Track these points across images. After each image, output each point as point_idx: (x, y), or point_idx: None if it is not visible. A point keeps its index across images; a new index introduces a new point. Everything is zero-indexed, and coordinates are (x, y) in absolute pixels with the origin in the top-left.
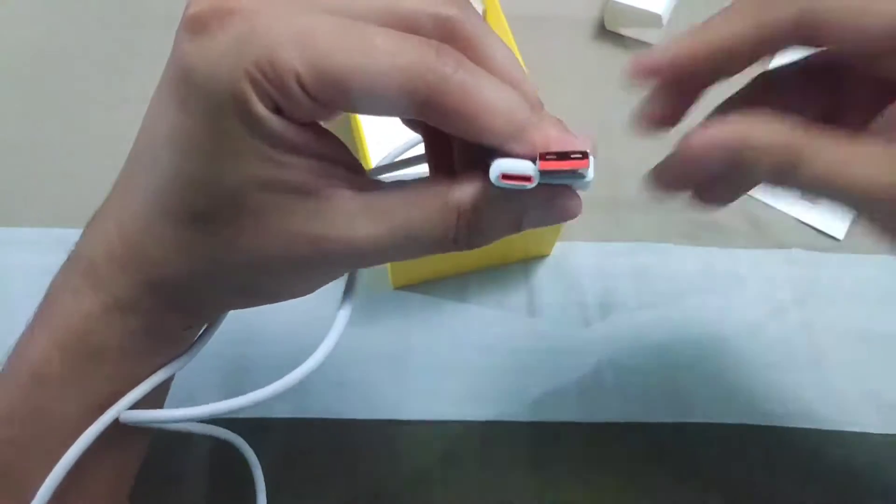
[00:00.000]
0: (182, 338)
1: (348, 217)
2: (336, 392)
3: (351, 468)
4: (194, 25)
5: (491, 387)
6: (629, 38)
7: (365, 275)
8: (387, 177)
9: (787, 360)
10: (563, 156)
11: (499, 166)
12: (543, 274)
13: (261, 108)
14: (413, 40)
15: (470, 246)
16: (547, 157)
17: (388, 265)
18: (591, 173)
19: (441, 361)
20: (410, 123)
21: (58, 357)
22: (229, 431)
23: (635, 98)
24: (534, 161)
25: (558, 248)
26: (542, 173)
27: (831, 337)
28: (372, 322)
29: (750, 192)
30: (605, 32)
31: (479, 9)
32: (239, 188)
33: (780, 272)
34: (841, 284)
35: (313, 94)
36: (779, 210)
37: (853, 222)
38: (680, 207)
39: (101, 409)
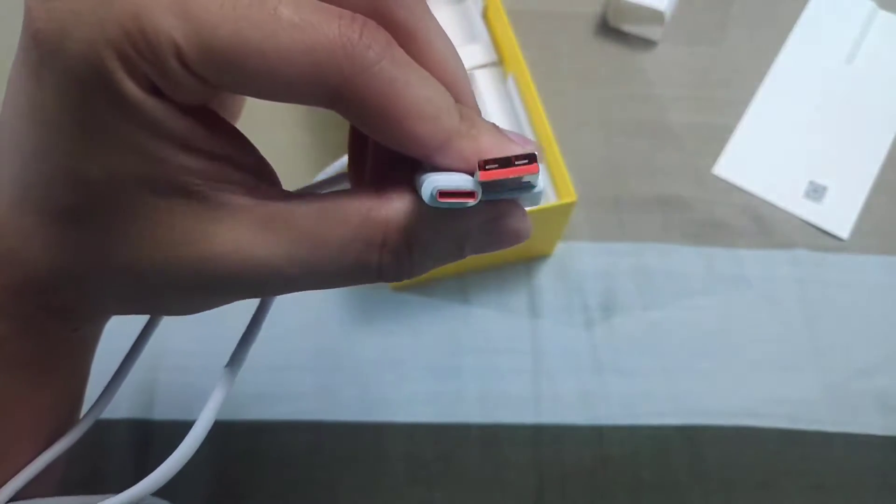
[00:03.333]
0: (72, 341)
1: (242, 231)
2: (335, 393)
3: (350, 470)
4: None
5: (492, 388)
6: (631, 35)
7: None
8: None
9: (791, 361)
10: (507, 162)
11: (433, 182)
12: (545, 274)
13: (131, 87)
14: (330, 13)
15: (397, 277)
16: (488, 165)
17: None
18: (540, 182)
19: (441, 362)
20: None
21: None
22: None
23: (637, 96)
24: (472, 173)
25: (560, 248)
26: (485, 185)
27: (835, 338)
28: (371, 323)
29: (754, 192)
30: (608, 29)
31: (480, 5)
32: (108, 183)
33: (784, 272)
34: (845, 285)
35: (197, 73)
36: (783, 209)
37: (858, 222)
38: (683, 208)
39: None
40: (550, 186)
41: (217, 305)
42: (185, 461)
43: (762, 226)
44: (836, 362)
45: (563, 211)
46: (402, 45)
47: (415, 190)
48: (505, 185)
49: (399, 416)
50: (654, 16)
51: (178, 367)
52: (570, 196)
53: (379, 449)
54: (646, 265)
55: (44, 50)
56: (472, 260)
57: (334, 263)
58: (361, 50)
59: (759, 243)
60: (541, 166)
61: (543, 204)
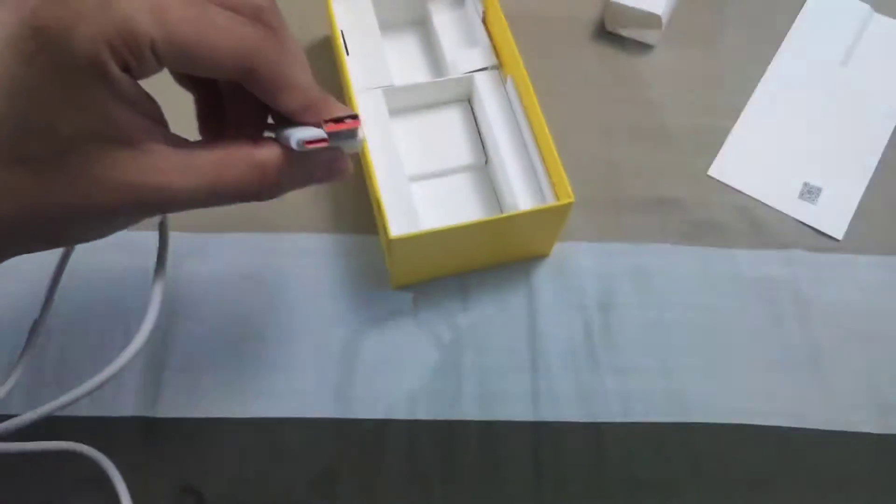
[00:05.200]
0: None
1: (166, 169)
2: (335, 391)
3: (350, 467)
4: None
5: (491, 386)
6: (629, 39)
7: (357, 274)
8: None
9: (787, 361)
10: (340, 120)
11: (299, 134)
12: (543, 274)
13: (116, 71)
14: (245, 21)
15: (270, 197)
16: (328, 122)
17: (388, 267)
18: (361, 133)
19: (441, 360)
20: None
21: None
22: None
23: (635, 99)
24: (320, 127)
25: (558, 249)
26: (330, 134)
27: (831, 337)
28: (371, 321)
29: (750, 193)
30: (605, 33)
31: (479, 10)
32: (74, 137)
33: (780, 272)
34: (840, 285)
35: (162, 60)
36: (778, 210)
37: (852, 222)
38: (679, 209)
39: None
40: (549, 187)
41: (122, 228)
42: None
43: (757, 226)
44: (830, 361)
45: (560, 212)
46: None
47: (276, 140)
48: (341, 135)
49: (399, 413)
50: (651, 20)
51: (182, 366)
52: (568, 197)
53: (379, 446)
54: (643, 265)
55: (46, 42)
56: (472, 260)
57: (228, 192)
58: (267, 45)
59: (754, 244)
60: (360, 132)
61: (543, 205)
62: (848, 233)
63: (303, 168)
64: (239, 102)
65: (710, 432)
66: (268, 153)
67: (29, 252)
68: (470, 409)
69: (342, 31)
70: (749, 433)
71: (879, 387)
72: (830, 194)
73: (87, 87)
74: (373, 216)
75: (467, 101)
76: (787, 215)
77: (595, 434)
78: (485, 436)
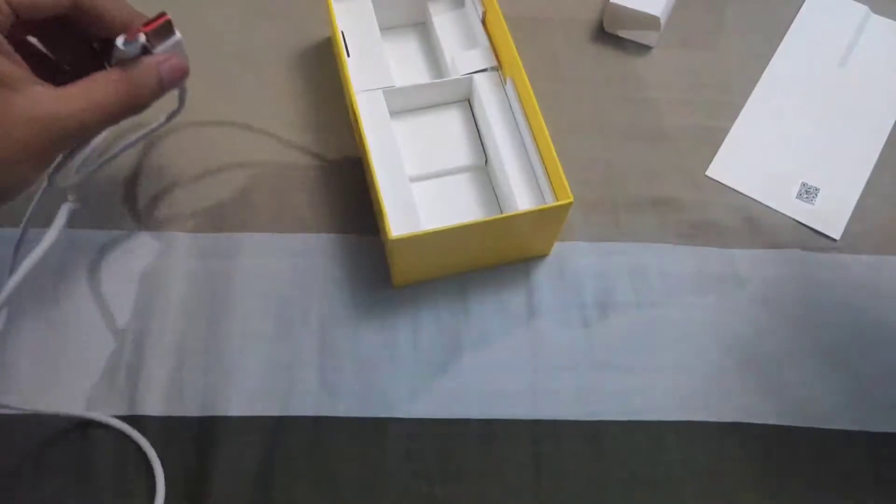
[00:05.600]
0: None
1: (49, 100)
2: (337, 390)
3: (351, 465)
4: None
5: (490, 386)
6: (627, 40)
7: (357, 274)
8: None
9: (785, 360)
10: (151, 23)
11: (119, 39)
12: (542, 274)
13: None
14: None
15: (139, 104)
16: (144, 26)
17: (390, 268)
18: (177, 32)
19: (441, 359)
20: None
21: None
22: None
23: (633, 99)
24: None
25: (557, 248)
26: (149, 34)
27: (828, 337)
28: (372, 321)
29: (747, 193)
30: (604, 34)
31: (479, 11)
32: None
33: (776, 272)
34: (837, 284)
35: (16, 7)
36: (776, 211)
37: (850, 222)
38: (678, 209)
39: None
40: (548, 188)
41: (49, 158)
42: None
43: (755, 226)
44: (829, 361)
45: (560, 211)
46: None
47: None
48: (159, 32)
49: (399, 411)
50: (650, 21)
51: (181, 365)
52: (567, 197)
53: (379, 444)
54: (641, 265)
55: None
56: (472, 260)
57: (103, 105)
58: None
59: (751, 243)
60: (174, 26)
61: (542, 205)
62: (845, 233)
63: (145, 72)
64: (70, 47)
65: (708, 431)
66: (115, 71)
67: None
68: (470, 408)
69: (343, 32)
70: (746, 432)
71: (876, 385)
72: (828, 194)
73: None
74: (373, 216)
75: (467, 102)
76: (784, 215)
77: (594, 433)
78: (484, 434)
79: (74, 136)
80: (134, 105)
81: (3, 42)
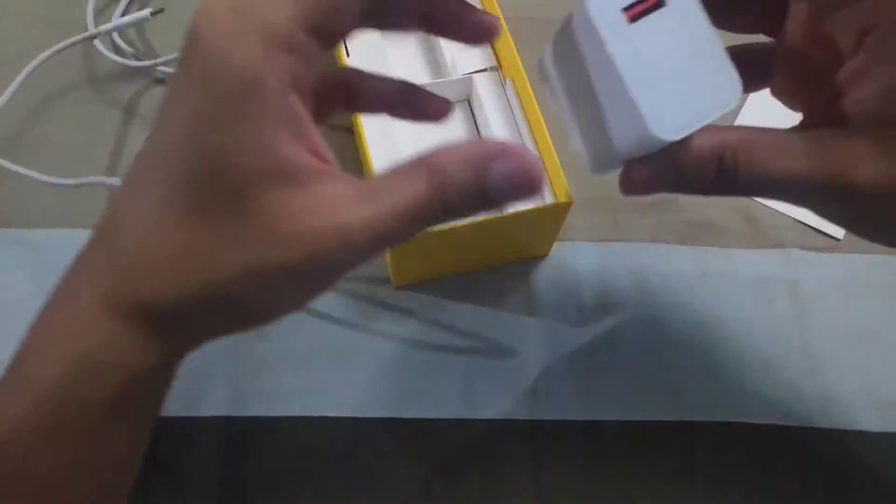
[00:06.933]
0: (159, 394)
1: (340, 203)
2: (337, 390)
3: (351, 466)
4: (190, 39)
5: (490, 385)
6: None
7: (358, 273)
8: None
9: (785, 360)
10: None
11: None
12: (542, 274)
13: (273, 84)
14: None
15: (448, 211)
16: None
17: (390, 268)
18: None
19: (441, 360)
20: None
21: (35, 414)
22: None
23: None
24: None
25: (557, 249)
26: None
27: (829, 336)
28: (372, 321)
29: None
30: None
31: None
32: (243, 177)
33: (777, 272)
34: (839, 284)
35: (316, 31)
36: (775, 210)
37: None
38: (677, 209)
39: (80, 470)
40: (548, 188)
41: (307, 297)
42: None
43: (755, 226)
44: (829, 360)
45: (560, 212)
46: None
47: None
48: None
49: (399, 411)
50: None
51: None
52: (567, 197)
53: (379, 444)
54: (641, 265)
55: (201, 74)
56: (472, 260)
57: (411, 214)
58: None
59: (752, 243)
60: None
61: (542, 205)
62: (847, 232)
63: (505, 163)
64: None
65: (708, 431)
66: (444, 154)
67: (217, 336)
68: (469, 408)
69: None
70: (746, 432)
71: (877, 385)
72: None
73: (246, 114)
74: None
75: (467, 102)
76: (785, 215)
77: (593, 433)
78: (484, 434)
79: (360, 256)
80: (440, 210)
81: (306, 117)
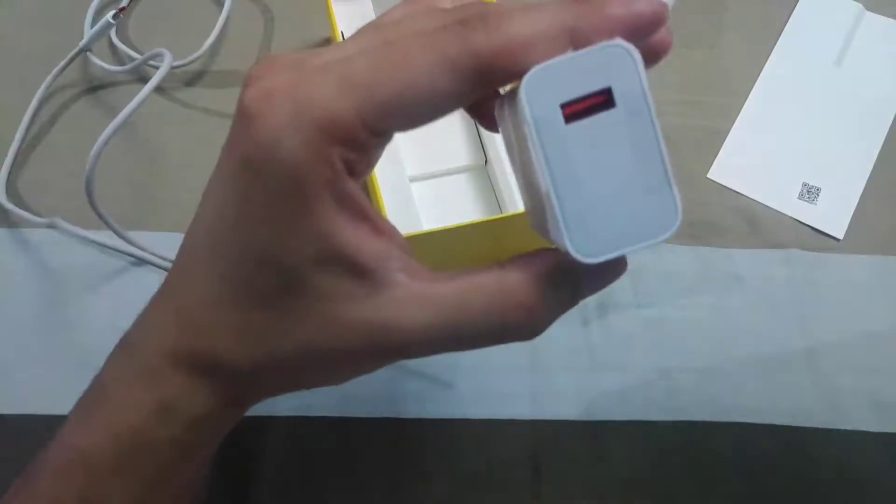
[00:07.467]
0: (225, 431)
1: (403, 305)
2: (336, 390)
3: (350, 466)
4: (244, 117)
5: (490, 384)
6: None
7: None
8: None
9: (784, 360)
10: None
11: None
12: None
13: (327, 176)
14: (438, 21)
15: (524, 333)
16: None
17: None
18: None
19: (439, 359)
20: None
21: (110, 450)
22: None
23: None
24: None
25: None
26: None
27: (829, 336)
28: None
29: (749, 194)
30: None
31: None
32: (299, 266)
33: (778, 272)
34: (839, 284)
35: (375, 129)
36: (777, 211)
37: (853, 221)
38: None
39: (149, 501)
40: None
41: (362, 374)
42: None
43: (756, 227)
44: (829, 360)
45: None
46: None
47: (532, 259)
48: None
49: (398, 412)
50: None
51: None
52: None
53: (378, 444)
54: (641, 264)
55: (253, 170)
56: (471, 260)
57: (469, 324)
58: (472, 35)
59: (753, 243)
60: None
61: None
62: (848, 232)
63: (565, 283)
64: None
65: (708, 431)
66: (517, 273)
67: (276, 395)
68: (469, 408)
69: (342, 32)
70: (746, 432)
71: (877, 386)
72: (829, 194)
73: (300, 203)
74: None
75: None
76: (785, 215)
77: (593, 433)
78: (483, 434)
79: (414, 355)
80: (515, 331)
81: (364, 199)
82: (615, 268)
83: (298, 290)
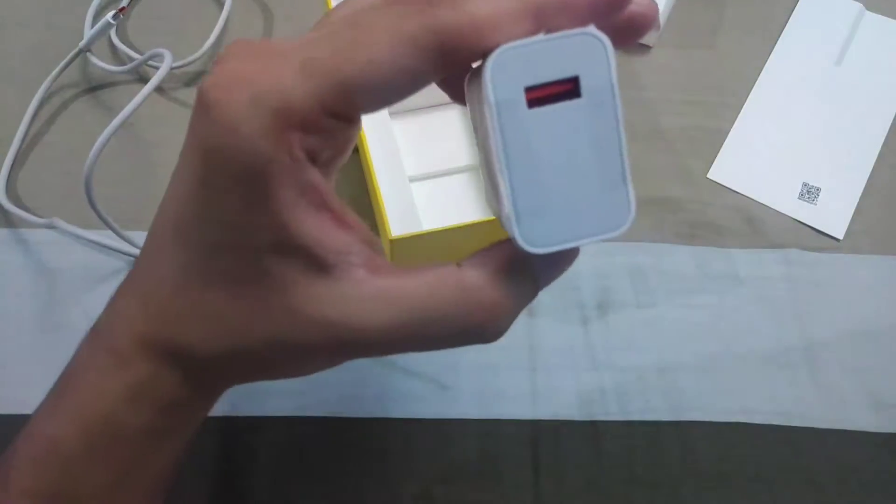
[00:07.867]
0: (198, 417)
1: (360, 302)
2: (335, 390)
3: (349, 466)
4: (203, 104)
5: (489, 384)
6: None
7: None
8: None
9: (784, 360)
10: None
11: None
12: None
13: (285, 160)
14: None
15: (486, 333)
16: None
17: (389, 259)
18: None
19: (439, 359)
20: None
21: (81, 438)
22: None
23: (632, 99)
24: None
25: None
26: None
27: (829, 336)
28: None
29: (748, 194)
30: None
31: None
32: (261, 250)
33: (777, 272)
34: (838, 284)
35: (338, 112)
36: (777, 211)
37: (853, 221)
38: (677, 209)
39: (122, 489)
40: None
41: (327, 367)
42: None
43: (755, 226)
44: (828, 360)
45: None
46: None
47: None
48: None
49: (398, 411)
50: None
51: None
52: None
53: (377, 444)
54: (640, 264)
55: (213, 158)
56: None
57: (439, 328)
58: (436, 10)
59: (752, 243)
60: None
61: None
62: (848, 232)
63: (523, 275)
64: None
65: (708, 431)
66: (474, 271)
67: (246, 382)
68: (468, 408)
69: None
70: (746, 432)
71: (876, 385)
72: (829, 194)
73: (257, 190)
74: (373, 216)
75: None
76: (784, 215)
77: (593, 432)
78: (483, 434)
79: (377, 354)
80: (478, 332)
81: (326, 188)
82: (567, 256)
83: (258, 280)
